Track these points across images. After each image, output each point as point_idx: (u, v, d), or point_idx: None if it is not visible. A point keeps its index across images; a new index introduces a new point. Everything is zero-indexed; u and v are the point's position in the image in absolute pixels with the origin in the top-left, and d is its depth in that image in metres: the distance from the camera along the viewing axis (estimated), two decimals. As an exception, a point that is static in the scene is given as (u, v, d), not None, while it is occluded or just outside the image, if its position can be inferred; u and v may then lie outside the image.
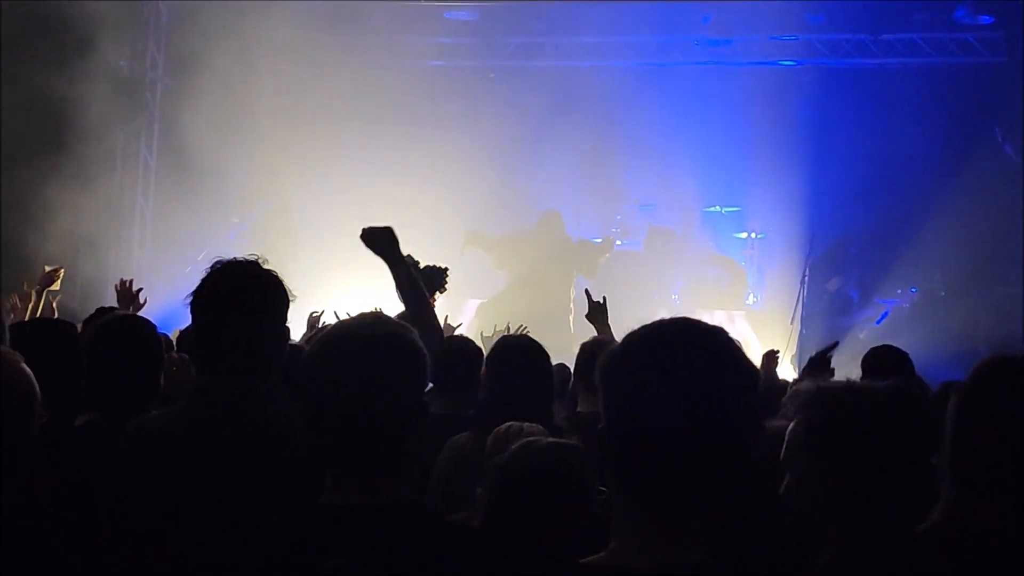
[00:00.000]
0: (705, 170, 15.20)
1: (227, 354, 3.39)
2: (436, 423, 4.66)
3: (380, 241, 4.57)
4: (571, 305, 14.86)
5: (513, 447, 3.55)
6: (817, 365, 5.96)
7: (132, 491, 3.34)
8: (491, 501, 3.44)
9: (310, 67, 14.32)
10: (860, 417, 2.70)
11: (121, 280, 7.74)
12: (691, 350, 2.10)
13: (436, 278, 6.96)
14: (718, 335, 2.15)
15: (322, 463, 2.58)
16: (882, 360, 5.93)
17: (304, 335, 8.28)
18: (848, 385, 2.83)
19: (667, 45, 15.82)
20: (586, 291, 7.71)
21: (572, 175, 15.78)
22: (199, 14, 14.49)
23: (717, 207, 16.15)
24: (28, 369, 2.60)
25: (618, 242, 16.36)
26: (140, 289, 7.65)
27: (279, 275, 3.49)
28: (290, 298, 3.51)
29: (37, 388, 2.57)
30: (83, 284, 13.64)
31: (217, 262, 3.44)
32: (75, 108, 13.36)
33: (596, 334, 7.18)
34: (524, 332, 8.22)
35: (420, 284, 4.61)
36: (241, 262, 3.44)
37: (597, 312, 7.43)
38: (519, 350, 5.05)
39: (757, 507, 2.80)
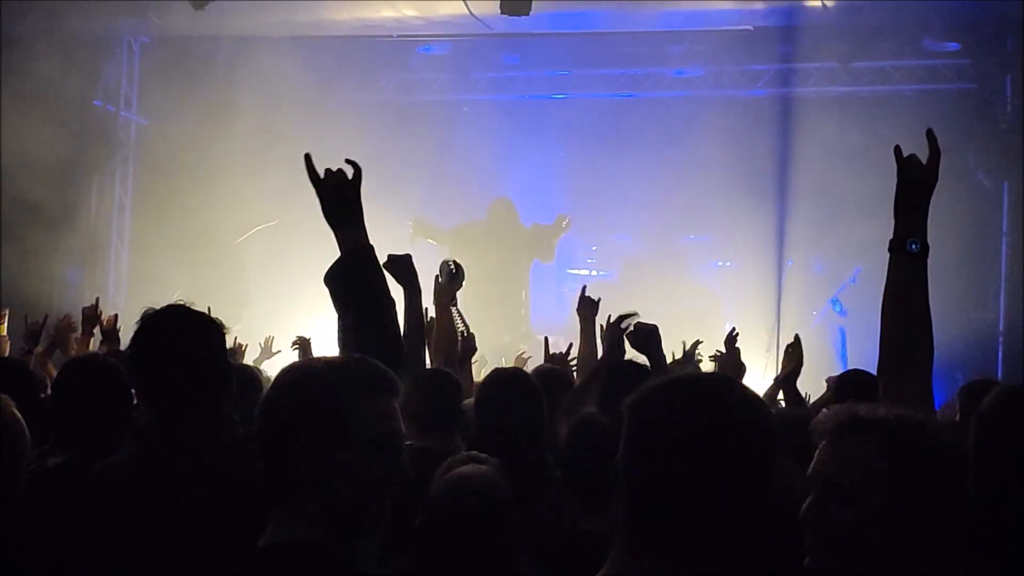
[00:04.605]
0: (678, 200, 15.25)
1: (173, 397, 3.46)
2: (416, 457, 4.66)
3: (400, 269, 4.73)
4: (527, 293, 15.03)
5: (434, 486, 3.65)
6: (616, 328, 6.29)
7: (98, 539, 3.37)
8: (417, 543, 3.56)
9: (284, 105, 14.33)
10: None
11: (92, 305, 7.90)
12: (718, 413, 2.26)
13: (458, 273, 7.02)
14: (753, 398, 2.33)
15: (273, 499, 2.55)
16: (855, 384, 5.97)
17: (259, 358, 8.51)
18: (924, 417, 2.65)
19: (638, 77, 15.91)
20: (583, 288, 7.65)
21: (545, 207, 15.84)
22: (172, 52, 14.50)
23: (690, 236, 16.24)
24: (17, 412, 2.59)
25: (593, 272, 16.40)
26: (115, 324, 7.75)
27: (208, 315, 3.66)
28: (224, 332, 3.67)
29: (27, 431, 2.57)
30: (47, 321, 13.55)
31: (149, 310, 3.56)
32: (48, 148, 13.32)
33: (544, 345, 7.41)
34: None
35: (423, 321, 4.77)
36: (172, 307, 3.58)
37: (587, 308, 7.42)
38: (508, 382, 5.07)
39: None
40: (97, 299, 8.19)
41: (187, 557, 3.15)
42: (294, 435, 2.47)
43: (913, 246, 3.30)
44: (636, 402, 2.31)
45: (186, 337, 3.51)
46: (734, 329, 7.93)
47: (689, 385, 2.32)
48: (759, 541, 2.34)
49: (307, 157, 3.61)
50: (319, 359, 2.69)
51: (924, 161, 3.40)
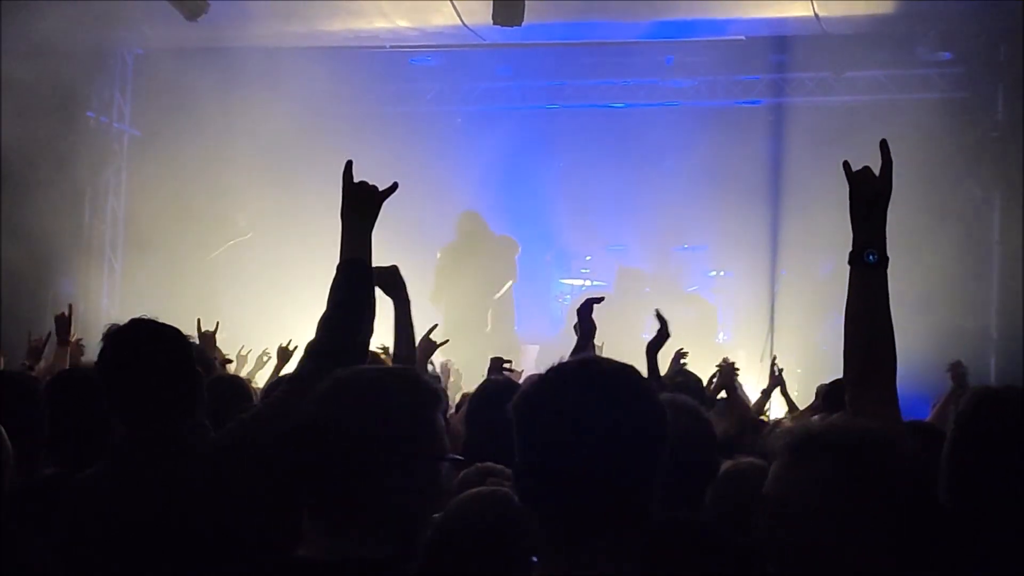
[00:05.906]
0: (672, 209, 15.27)
1: (143, 409, 3.47)
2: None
3: (387, 281, 4.72)
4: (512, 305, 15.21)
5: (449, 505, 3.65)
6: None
7: (78, 550, 3.37)
8: (425, 556, 3.56)
9: (277, 116, 14.32)
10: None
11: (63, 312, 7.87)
12: (595, 392, 2.19)
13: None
14: (625, 376, 2.25)
15: (303, 511, 2.51)
16: (840, 394, 5.99)
17: (274, 368, 8.49)
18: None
19: (631, 87, 15.92)
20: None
21: (541, 217, 15.84)
22: (166, 64, 14.48)
23: (684, 246, 16.26)
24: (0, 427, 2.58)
25: (587, 283, 16.41)
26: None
27: (173, 327, 3.65)
28: (190, 342, 3.76)
29: (8, 444, 2.56)
30: (51, 338, 13.52)
31: (113, 326, 3.61)
32: (41, 160, 13.29)
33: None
34: None
35: (412, 327, 4.79)
36: (135, 322, 3.60)
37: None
38: (497, 392, 5.07)
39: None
40: (70, 306, 8.09)
41: (166, 567, 3.14)
42: (354, 450, 2.43)
43: (871, 257, 3.30)
44: (519, 401, 2.24)
45: (151, 349, 3.52)
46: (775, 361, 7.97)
47: (562, 376, 2.25)
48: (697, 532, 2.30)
49: (349, 164, 3.73)
50: (371, 370, 2.64)
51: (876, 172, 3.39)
